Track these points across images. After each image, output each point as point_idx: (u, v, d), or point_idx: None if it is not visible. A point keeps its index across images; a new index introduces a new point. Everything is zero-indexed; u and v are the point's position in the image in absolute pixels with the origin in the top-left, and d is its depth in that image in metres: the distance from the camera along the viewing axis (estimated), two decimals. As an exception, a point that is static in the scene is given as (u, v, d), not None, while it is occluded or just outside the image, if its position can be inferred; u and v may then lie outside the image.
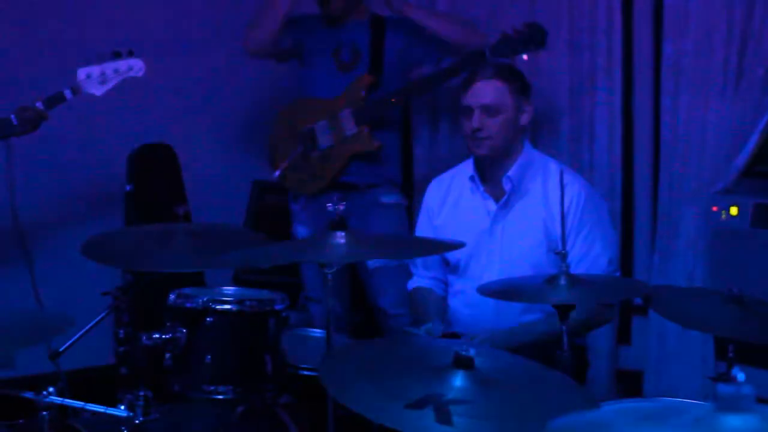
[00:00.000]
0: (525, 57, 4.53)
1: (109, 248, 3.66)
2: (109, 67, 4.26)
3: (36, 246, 5.20)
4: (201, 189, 5.62)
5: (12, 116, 4.17)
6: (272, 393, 3.28)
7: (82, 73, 4.25)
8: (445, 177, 4.09)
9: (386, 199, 4.87)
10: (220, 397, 3.20)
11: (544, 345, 3.41)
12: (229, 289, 3.58)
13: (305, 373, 3.35)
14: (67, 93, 4.23)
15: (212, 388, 3.20)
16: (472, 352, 2.41)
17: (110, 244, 3.72)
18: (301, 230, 4.90)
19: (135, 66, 4.30)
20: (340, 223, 2.92)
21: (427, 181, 4.28)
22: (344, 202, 2.94)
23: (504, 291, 3.23)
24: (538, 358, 2.72)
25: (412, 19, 4.74)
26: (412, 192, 5.27)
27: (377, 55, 4.84)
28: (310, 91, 4.98)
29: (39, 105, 4.19)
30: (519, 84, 3.84)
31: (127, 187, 5.40)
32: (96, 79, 4.25)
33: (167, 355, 3.21)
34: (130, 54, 4.30)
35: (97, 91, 4.26)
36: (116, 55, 4.28)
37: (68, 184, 5.33)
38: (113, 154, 5.36)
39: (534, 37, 4.52)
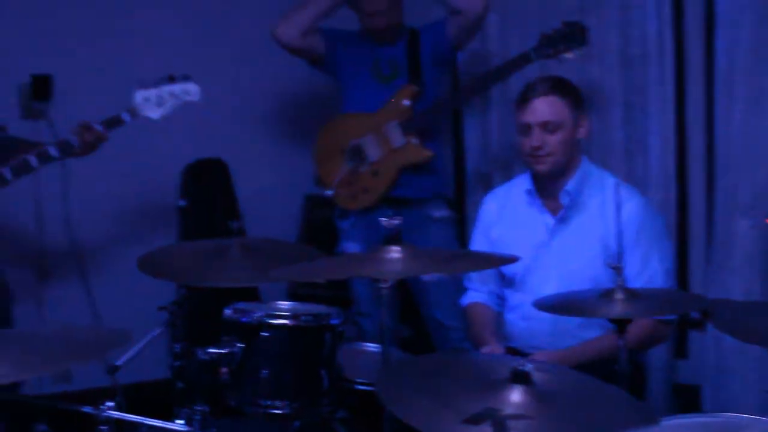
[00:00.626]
0: (570, 56, 4.52)
1: (165, 263, 3.68)
2: (166, 90, 4.28)
3: (92, 262, 5.26)
4: (254, 203, 5.64)
5: (73, 138, 4.19)
6: (328, 408, 3.27)
7: (139, 96, 4.26)
8: (501, 191, 4.09)
9: (437, 213, 4.88)
10: (277, 411, 3.20)
11: (602, 361, 3.40)
12: (285, 304, 3.58)
13: (361, 387, 3.34)
14: (125, 116, 4.25)
15: (269, 402, 3.20)
16: (529, 366, 2.41)
17: (165, 259, 3.74)
18: (351, 247, 4.90)
19: (191, 90, 4.31)
20: (395, 238, 2.92)
21: (478, 192, 4.28)
22: (397, 217, 2.93)
23: (560, 305, 3.21)
24: (595, 373, 2.70)
25: None
26: (463, 205, 5.27)
27: (415, 66, 4.85)
28: (349, 106, 5.00)
29: (99, 127, 4.21)
30: (575, 98, 3.82)
31: (181, 202, 5.43)
32: (153, 102, 4.26)
33: (223, 370, 3.22)
34: (186, 78, 4.31)
35: (154, 114, 4.28)
36: (172, 79, 4.30)
37: (122, 200, 5.37)
38: (167, 169, 5.40)
39: (575, 35, 4.50)
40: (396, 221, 2.93)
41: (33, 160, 4.12)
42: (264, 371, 3.22)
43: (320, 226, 5.54)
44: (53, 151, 4.16)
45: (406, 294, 4.91)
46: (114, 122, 4.24)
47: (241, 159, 5.64)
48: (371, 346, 3.72)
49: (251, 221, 5.53)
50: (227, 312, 3.33)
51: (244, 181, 5.66)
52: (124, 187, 5.24)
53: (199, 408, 3.08)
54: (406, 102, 4.79)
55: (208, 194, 5.54)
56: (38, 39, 5.18)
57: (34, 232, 5.15)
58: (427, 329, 4.94)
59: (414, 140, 4.77)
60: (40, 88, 5.20)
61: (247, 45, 5.71)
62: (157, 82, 4.29)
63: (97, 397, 3.02)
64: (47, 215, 5.10)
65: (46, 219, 5.11)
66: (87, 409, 2.93)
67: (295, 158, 5.70)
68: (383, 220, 2.95)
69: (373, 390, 3.24)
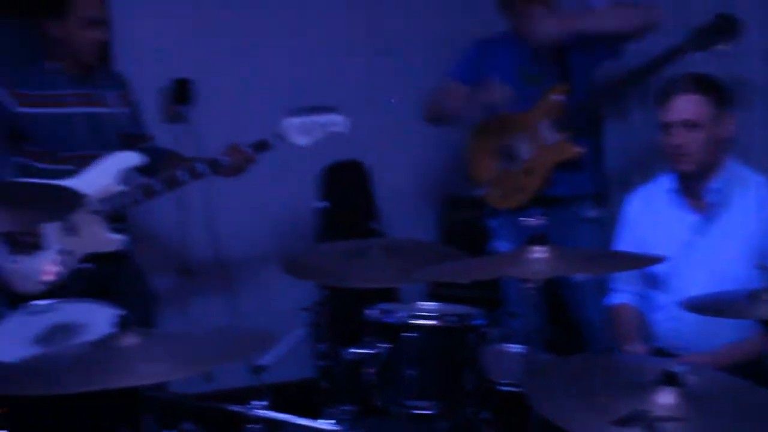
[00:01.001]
0: (725, 47, 4.43)
1: (307, 265, 3.72)
2: (313, 120, 4.34)
3: (235, 265, 5.34)
4: (391, 204, 5.66)
5: (223, 158, 4.26)
6: (472, 408, 3.27)
7: (287, 123, 4.33)
8: (644, 190, 4.04)
9: (588, 214, 4.84)
10: (422, 412, 3.22)
11: (753, 363, 3.34)
12: (428, 305, 3.59)
13: (505, 388, 3.33)
14: (274, 140, 4.32)
15: (413, 403, 3.22)
16: (678, 368, 2.37)
17: (308, 260, 3.78)
18: (502, 246, 4.88)
19: (338, 122, 4.37)
20: (540, 238, 2.91)
21: (618, 192, 4.23)
22: (545, 217, 2.93)
23: (708, 306, 3.15)
24: (744, 374, 2.65)
25: (582, 30, 4.69)
26: (606, 203, 5.22)
27: (563, 65, 4.81)
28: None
29: (248, 149, 4.29)
30: (719, 95, 3.74)
31: (320, 204, 5.48)
32: (300, 130, 4.33)
33: (369, 370, 3.24)
34: (333, 110, 4.37)
35: (301, 141, 4.35)
36: (319, 110, 4.36)
37: (262, 202, 5.44)
38: (306, 171, 5.44)
39: (728, 28, 4.40)
40: (539, 221, 2.92)
41: (183, 175, 4.21)
42: (408, 372, 3.24)
43: (461, 226, 5.54)
44: (202, 169, 4.24)
45: (556, 294, 4.87)
46: (262, 146, 4.33)
47: (379, 160, 5.67)
48: (516, 347, 3.70)
49: (389, 222, 5.55)
50: (370, 313, 3.36)
51: (382, 183, 5.68)
52: (264, 189, 5.30)
53: (346, 408, 3.10)
54: (558, 98, 4.75)
55: (346, 196, 5.57)
56: (180, 43, 5.28)
57: (178, 237, 5.24)
58: (576, 330, 4.90)
59: (566, 137, 4.74)
60: (182, 92, 5.30)
61: (385, 46, 5.75)
62: (305, 112, 4.35)
63: (239, 396, 3.07)
64: (191, 220, 5.18)
65: (190, 224, 5.19)
66: (236, 408, 2.97)
67: (432, 159, 5.72)
68: (526, 220, 2.95)
69: (519, 391, 3.24)
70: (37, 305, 3.52)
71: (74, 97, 4.18)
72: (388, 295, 4.82)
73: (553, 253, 2.92)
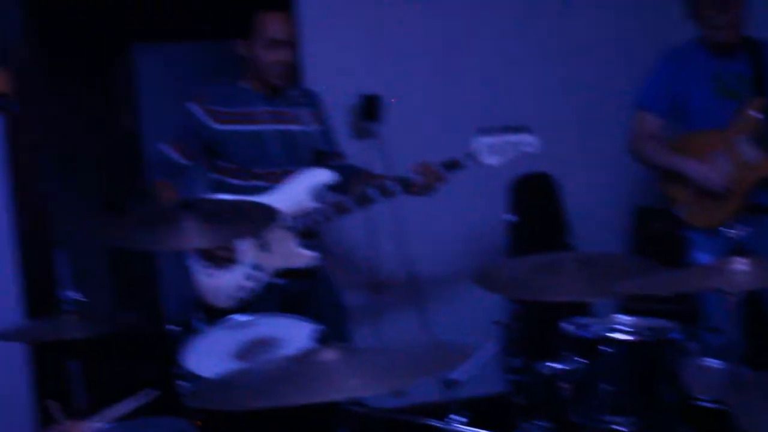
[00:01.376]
0: None
1: (499, 277, 3.69)
2: (505, 139, 4.29)
3: (424, 278, 5.36)
4: (582, 216, 5.60)
5: (416, 177, 4.23)
6: (671, 425, 3.21)
7: (478, 143, 4.30)
8: None
9: None
10: (619, 428, 3.18)
11: None
12: (624, 318, 3.53)
13: (705, 404, 3.26)
14: (464, 160, 4.29)
15: (611, 418, 3.18)
16: None
17: (499, 273, 3.75)
18: (702, 257, 4.75)
19: (530, 142, 4.31)
20: (743, 249, 2.84)
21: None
22: (747, 228, 2.85)
23: None
24: None
25: None
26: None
27: (760, 78, 4.67)
28: (690, 122, 4.84)
29: (439, 168, 4.26)
30: None
31: (510, 217, 5.45)
32: (492, 150, 4.28)
33: (565, 386, 3.21)
34: (525, 129, 4.31)
35: (492, 161, 4.30)
36: (512, 129, 4.31)
37: (450, 216, 5.46)
38: (494, 184, 5.42)
39: None
40: (741, 232, 2.85)
41: (374, 193, 4.21)
42: (605, 387, 3.20)
43: (653, 238, 5.44)
44: (393, 187, 4.22)
45: (760, 307, 4.73)
46: (453, 165, 4.27)
47: (568, 172, 5.62)
48: (715, 362, 3.62)
49: (580, 235, 5.49)
50: (566, 326, 3.33)
51: (572, 195, 5.63)
52: (453, 202, 5.28)
53: (540, 423, 3.08)
54: (756, 114, 4.60)
55: (535, 209, 5.54)
56: (369, 59, 5.34)
57: (369, 253, 5.30)
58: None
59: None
60: (370, 108, 5.34)
61: (574, 59, 5.71)
62: (496, 131, 4.30)
63: (429, 411, 3.06)
64: (380, 236, 5.23)
65: (380, 240, 5.24)
66: (434, 422, 2.97)
67: (622, 170, 5.62)
68: (728, 231, 2.88)
69: (719, 407, 3.17)
70: (236, 320, 3.59)
71: (267, 115, 4.25)
72: (580, 308, 4.76)
73: (756, 265, 2.83)
